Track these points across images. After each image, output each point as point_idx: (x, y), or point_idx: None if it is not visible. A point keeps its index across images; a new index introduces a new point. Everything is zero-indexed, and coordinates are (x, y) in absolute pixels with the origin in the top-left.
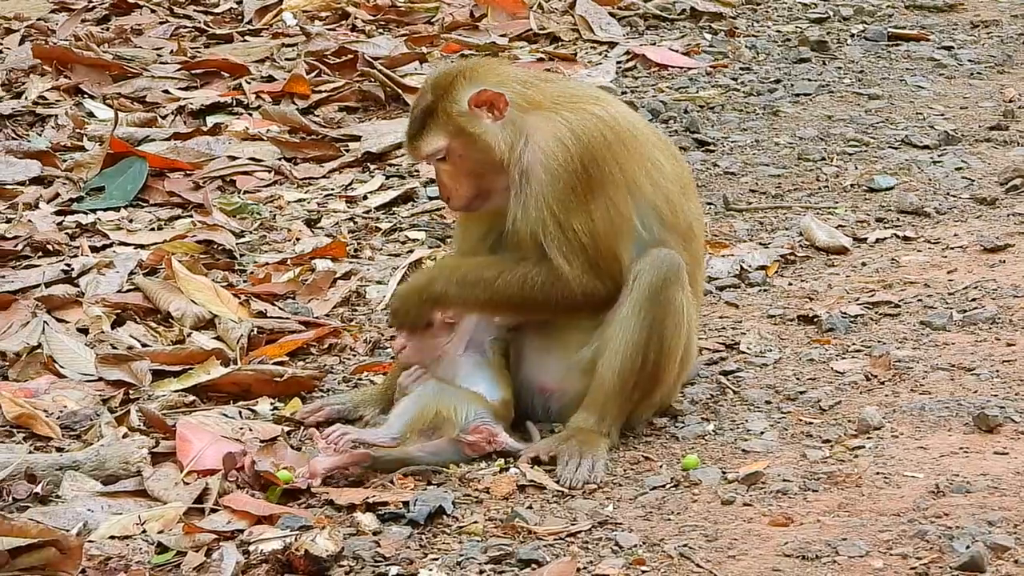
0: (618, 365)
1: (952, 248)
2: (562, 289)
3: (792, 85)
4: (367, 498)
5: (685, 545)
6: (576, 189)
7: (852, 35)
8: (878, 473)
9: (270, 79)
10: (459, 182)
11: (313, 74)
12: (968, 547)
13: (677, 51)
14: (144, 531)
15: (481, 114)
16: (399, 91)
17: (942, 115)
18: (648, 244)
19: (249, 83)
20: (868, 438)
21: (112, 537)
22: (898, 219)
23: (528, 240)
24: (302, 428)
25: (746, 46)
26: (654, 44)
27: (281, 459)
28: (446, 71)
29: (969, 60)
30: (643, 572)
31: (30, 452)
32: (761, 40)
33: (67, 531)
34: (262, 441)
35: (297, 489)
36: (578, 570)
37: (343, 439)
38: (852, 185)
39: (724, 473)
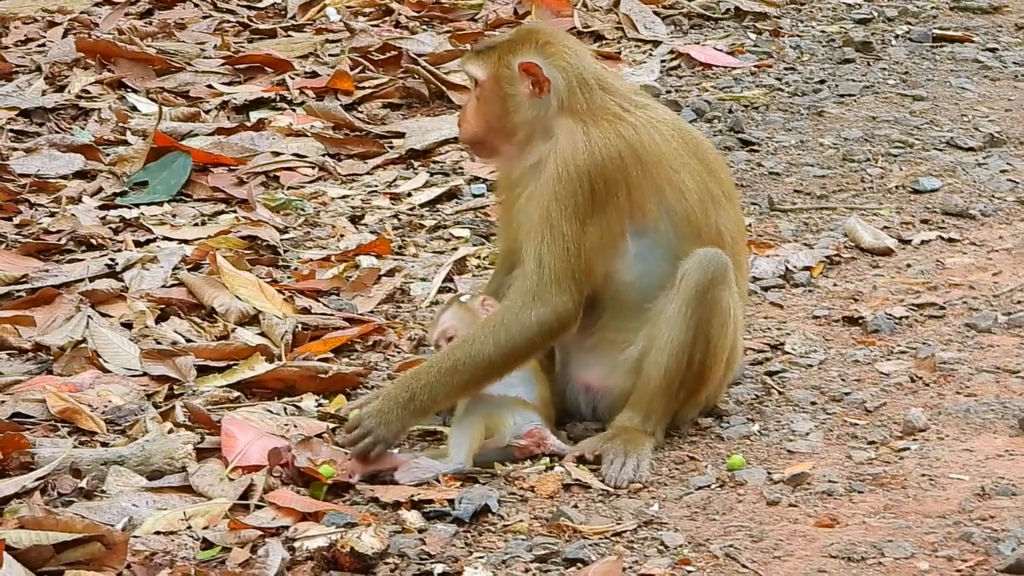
0: (664, 364)
1: (997, 250)
2: (532, 315)
3: (836, 86)
4: (412, 496)
5: (731, 546)
6: (577, 199)
7: (896, 36)
8: (923, 475)
9: (314, 75)
10: (475, 118)
11: (357, 70)
12: (1014, 550)
13: (721, 50)
14: (189, 527)
15: (524, 81)
16: (443, 88)
17: (987, 117)
18: (662, 249)
19: (293, 79)
20: (913, 440)
21: (157, 532)
22: (943, 221)
23: (524, 240)
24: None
25: (790, 46)
26: (698, 43)
27: (318, 454)
28: (536, 28)
29: (1014, 62)
30: (688, 572)
31: (75, 447)
32: (805, 40)
33: (112, 526)
34: (302, 436)
35: (341, 486)
36: (624, 569)
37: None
38: (897, 187)
39: (769, 474)
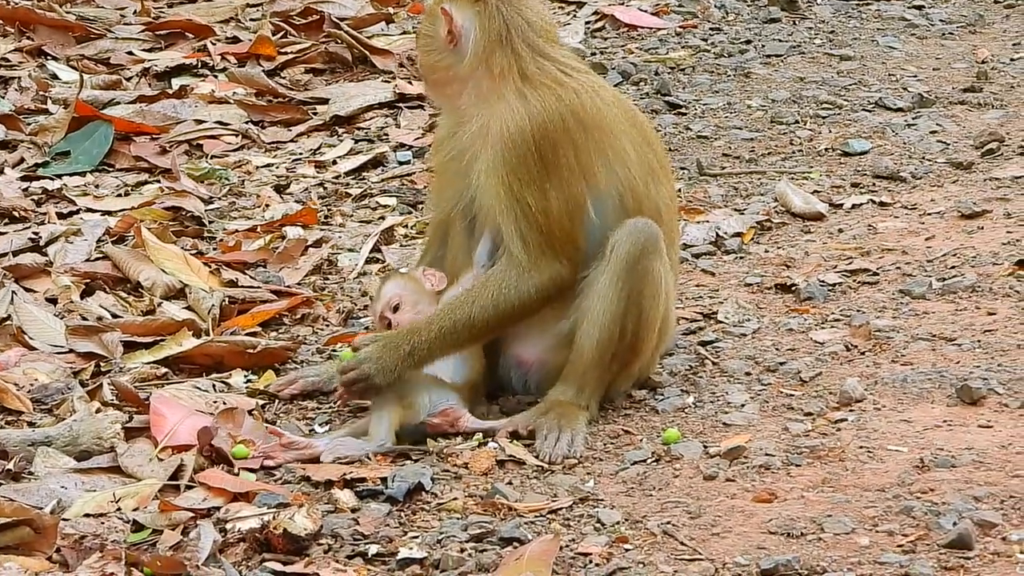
0: (596, 336)
1: (929, 214)
2: (529, 283)
3: (763, 46)
4: (345, 474)
5: (668, 523)
6: (529, 166)
7: None
8: (861, 447)
9: (235, 40)
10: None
11: (279, 35)
12: (955, 524)
13: (646, 11)
14: (119, 509)
15: (443, 26)
16: (366, 52)
17: (915, 76)
18: (604, 224)
19: (214, 44)
20: (850, 411)
21: (86, 515)
22: (874, 184)
23: (489, 213)
24: (276, 401)
25: (715, 5)
26: (623, 4)
27: (239, 428)
28: None
29: (940, 20)
30: (626, 550)
31: (1, 428)
32: (730, 0)
33: (40, 509)
34: (224, 407)
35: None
36: (561, 548)
37: (338, 455)
38: (826, 149)
39: (706, 447)
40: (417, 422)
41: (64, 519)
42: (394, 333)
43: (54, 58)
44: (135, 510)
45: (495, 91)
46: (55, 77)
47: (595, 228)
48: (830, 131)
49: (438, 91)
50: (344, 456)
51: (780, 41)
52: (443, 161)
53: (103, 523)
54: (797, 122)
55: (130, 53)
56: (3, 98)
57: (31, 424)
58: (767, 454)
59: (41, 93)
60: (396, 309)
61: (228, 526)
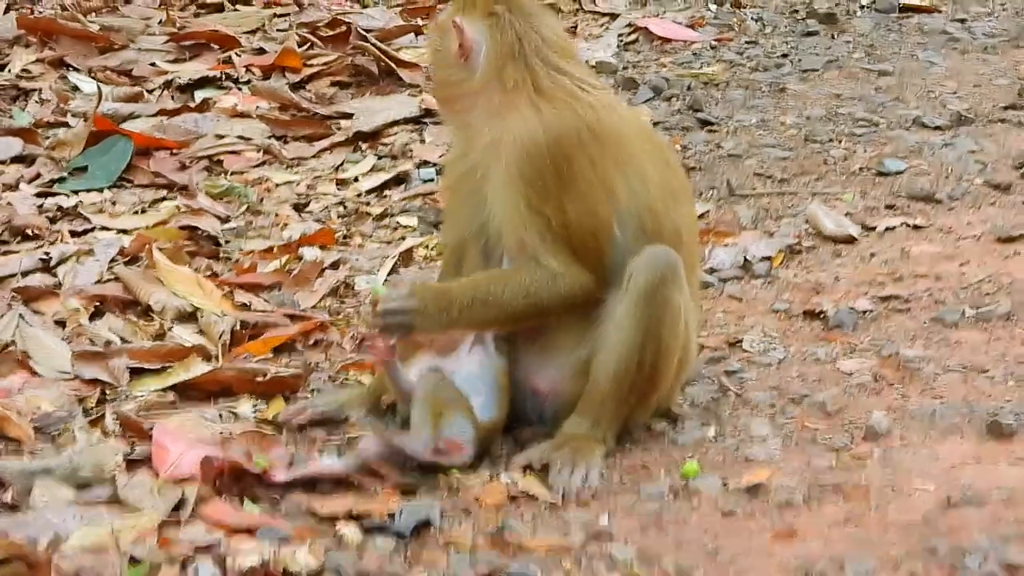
0: (613, 368)
1: (964, 238)
2: (559, 286)
3: (799, 60)
4: (351, 509)
5: (684, 562)
6: (545, 179)
7: (861, 7)
8: (887, 484)
9: (261, 52)
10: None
11: (305, 47)
12: (980, 565)
13: (681, 23)
14: (117, 543)
15: (455, 40)
16: (393, 66)
17: (955, 93)
18: (625, 249)
19: (239, 55)
20: (876, 445)
21: (84, 549)
22: (908, 206)
23: (508, 229)
24: (284, 431)
25: (752, 18)
26: (657, 16)
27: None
28: None
29: (983, 34)
30: None
31: (0, 457)
32: (768, 12)
33: (36, 542)
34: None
35: (275, 493)
36: None
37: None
38: (861, 169)
39: (725, 482)
40: (431, 433)
41: (59, 554)
42: (432, 286)
43: (76, 69)
44: (134, 542)
45: (507, 105)
46: (76, 89)
47: (618, 249)
48: (865, 150)
49: (449, 107)
50: (388, 451)
51: (817, 55)
52: (455, 182)
53: (100, 557)
54: (832, 140)
55: (153, 65)
56: (23, 111)
57: (32, 453)
58: (789, 490)
59: (61, 105)
60: None
61: (228, 562)
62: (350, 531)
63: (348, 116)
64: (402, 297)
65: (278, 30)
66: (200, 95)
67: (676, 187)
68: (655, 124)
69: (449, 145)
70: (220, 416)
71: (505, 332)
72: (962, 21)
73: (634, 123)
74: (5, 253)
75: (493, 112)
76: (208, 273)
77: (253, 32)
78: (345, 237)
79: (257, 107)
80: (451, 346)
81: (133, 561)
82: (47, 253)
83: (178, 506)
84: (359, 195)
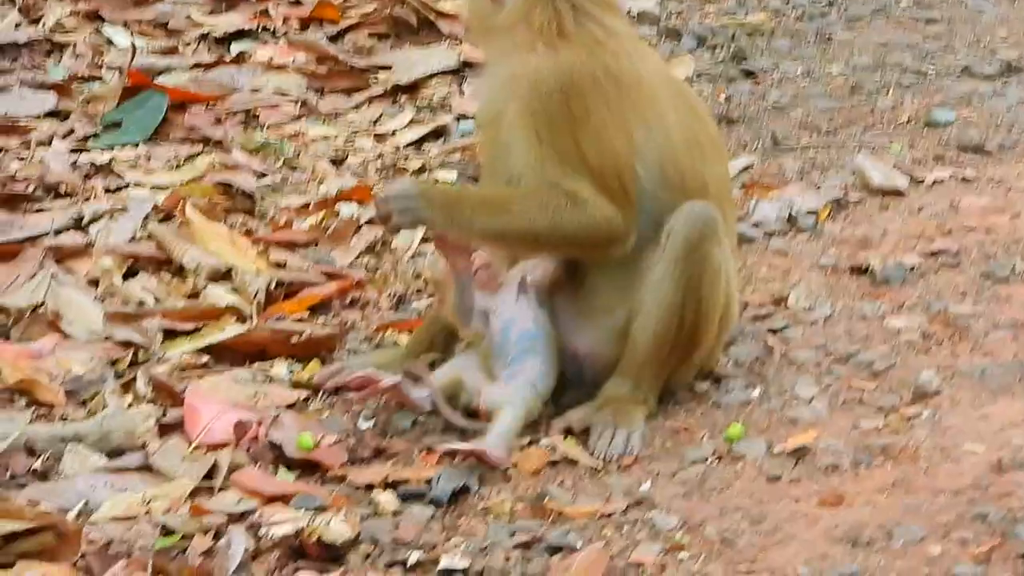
0: (653, 328)
1: (1015, 190)
2: (582, 213)
3: (846, 8)
4: (387, 476)
5: (727, 529)
6: (558, 116)
7: None
8: (936, 446)
9: (297, 3)
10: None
11: None
12: None
13: None
14: (148, 511)
15: None
16: (432, 17)
17: (1005, 41)
18: (648, 197)
19: (276, 7)
20: (925, 406)
21: (114, 518)
22: (957, 157)
23: (524, 163)
24: (320, 394)
25: None
26: None
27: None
28: None
29: None
30: (681, 560)
31: (30, 422)
32: None
33: (66, 511)
34: (277, 408)
35: (315, 463)
36: (611, 558)
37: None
38: (909, 119)
39: (770, 446)
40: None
41: (91, 523)
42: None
43: (110, 23)
44: (166, 512)
45: (529, 44)
46: (110, 43)
47: (641, 197)
48: (913, 100)
49: (480, 43)
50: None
51: (864, 3)
52: (486, 130)
53: (131, 527)
54: (879, 90)
55: (189, 17)
56: (57, 65)
57: (63, 418)
58: (835, 453)
59: (95, 60)
60: None
61: (261, 531)
62: (386, 499)
63: (386, 68)
64: (404, 184)
65: None
66: (236, 48)
67: (704, 141)
68: (698, 75)
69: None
70: (254, 378)
71: (518, 252)
72: None
73: (662, 74)
74: (38, 211)
75: (515, 50)
76: (243, 230)
77: None
78: None
79: (294, 60)
80: (493, 283)
81: (165, 531)
82: (80, 211)
83: (211, 473)
84: (397, 149)
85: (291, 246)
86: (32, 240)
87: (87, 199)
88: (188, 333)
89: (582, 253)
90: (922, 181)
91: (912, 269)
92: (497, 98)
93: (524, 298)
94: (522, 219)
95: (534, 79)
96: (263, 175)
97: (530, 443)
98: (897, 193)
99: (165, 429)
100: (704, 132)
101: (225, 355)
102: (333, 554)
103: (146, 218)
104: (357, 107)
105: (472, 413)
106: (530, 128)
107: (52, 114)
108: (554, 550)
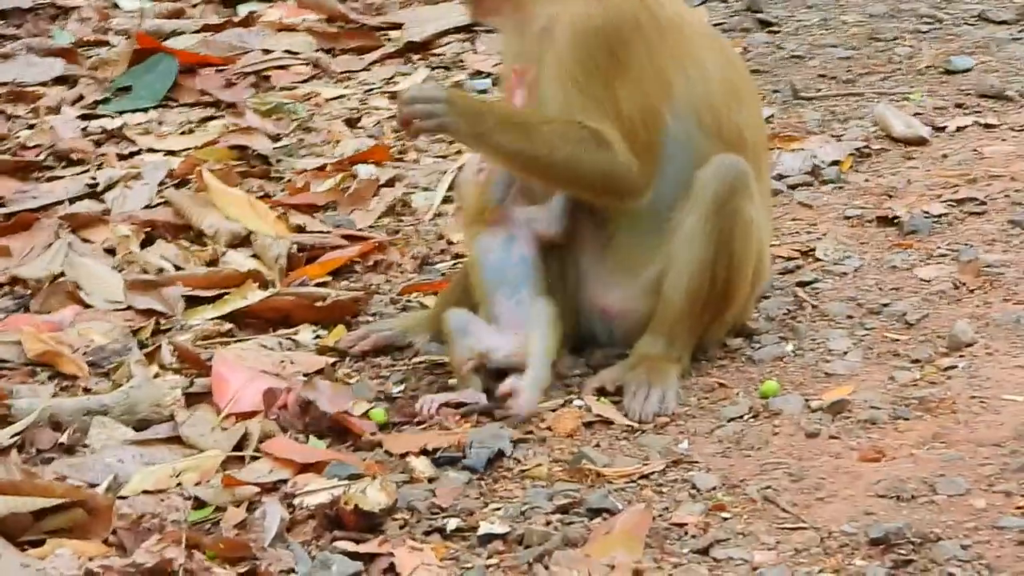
0: (685, 284)
1: None
2: (603, 156)
3: None
4: (424, 444)
5: (768, 487)
6: (598, 60)
7: None
8: (973, 397)
9: None
10: None
11: None
12: None
13: None
14: (180, 484)
15: None
16: None
17: None
18: (682, 147)
19: None
20: (961, 356)
21: (145, 492)
22: (978, 104)
23: (558, 111)
24: (348, 359)
25: None
26: None
27: (321, 395)
28: None
29: None
30: (724, 519)
31: (54, 395)
32: None
33: (95, 486)
34: (305, 375)
35: (347, 429)
36: (653, 519)
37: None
38: (928, 67)
39: (807, 401)
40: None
41: (121, 497)
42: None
43: None
44: (197, 484)
45: None
46: (116, 6)
47: (675, 147)
48: (931, 47)
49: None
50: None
51: None
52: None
53: (162, 500)
54: (896, 39)
55: None
56: (63, 30)
57: (87, 390)
58: (873, 407)
59: (102, 24)
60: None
61: (296, 501)
62: (421, 465)
63: (398, 27)
64: (430, 87)
65: None
66: (244, 9)
67: (741, 88)
68: (713, 25)
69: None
70: (280, 345)
71: (530, 179)
72: None
73: (698, 21)
74: (50, 179)
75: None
76: (260, 194)
77: None
78: (400, 153)
79: (303, 19)
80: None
81: (198, 503)
82: (94, 178)
83: (241, 443)
84: None
85: (310, 209)
86: (46, 209)
87: (100, 166)
88: (210, 300)
89: (594, 197)
90: (944, 129)
91: (939, 218)
92: (531, 47)
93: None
94: (542, 145)
95: (577, 22)
96: (278, 138)
97: (564, 404)
98: (920, 142)
99: (192, 399)
100: (741, 79)
101: (249, 322)
102: (370, 522)
103: (161, 184)
104: (370, 67)
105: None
106: (566, 72)
107: (60, 80)
108: (595, 513)
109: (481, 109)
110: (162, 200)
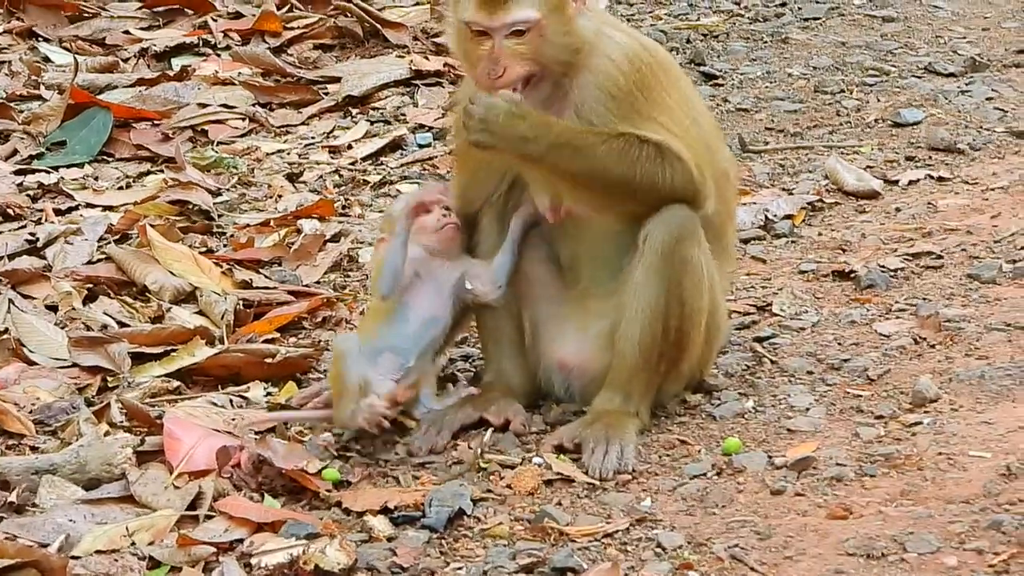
0: (638, 336)
1: (992, 189)
2: (680, 166)
3: (800, 8)
4: (383, 501)
5: (736, 545)
6: (635, 106)
7: None
8: (940, 453)
9: (237, 16)
10: (519, 62)
11: (284, 9)
12: None
13: None
14: (133, 543)
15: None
16: (378, 26)
17: (964, 38)
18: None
19: (215, 21)
20: (925, 412)
21: (98, 552)
22: (930, 157)
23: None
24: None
25: None
26: None
27: (275, 453)
28: None
29: None
30: None
31: (2, 454)
32: None
33: (47, 546)
34: (257, 433)
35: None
36: None
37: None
38: (876, 120)
39: (770, 457)
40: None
41: (73, 557)
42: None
43: (46, 39)
44: (150, 544)
45: (592, 35)
46: (47, 60)
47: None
48: (879, 100)
49: (544, 71)
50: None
51: (818, 3)
52: (464, 143)
53: (116, 560)
54: (843, 91)
55: (127, 32)
56: None
57: (34, 449)
58: (838, 464)
59: (33, 78)
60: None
61: (254, 561)
62: (379, 524)
63: (335, 80)
64: (493, 101)
65: None
66: (178, 63)
67: (716, 127)
68: None
69: (450, 106)
70: (231, 402)
71: (589, 197)
72: None
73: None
74: None
75: (582, 41)
76: (203, 250)
77: None
78: (344, 207)
79: (239, 73)
80: (451, 247)
81: (152, 563)
82: (32, 233)
83: (195, 502)
84: (354, 163)
85: (255, 265)
86: None
87: (38, 222)
88: (157, 357)
89: (648, 203)
90: (896, 182)
91: (896, 272)
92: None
93: (452, 295)
94: (607, 159)
95: (604, 80)
96: (218, 192)
97: (523, 462)
98: (872, 195)
99: (144, 457)
100: (712, 123)
101: (197, 379)
102: None
103: (101, 239)
104: (308, 120)
105: None
106: (611, 119)
107: None
108: (559, 572)
109: (548, 120)
110: (103, 256)
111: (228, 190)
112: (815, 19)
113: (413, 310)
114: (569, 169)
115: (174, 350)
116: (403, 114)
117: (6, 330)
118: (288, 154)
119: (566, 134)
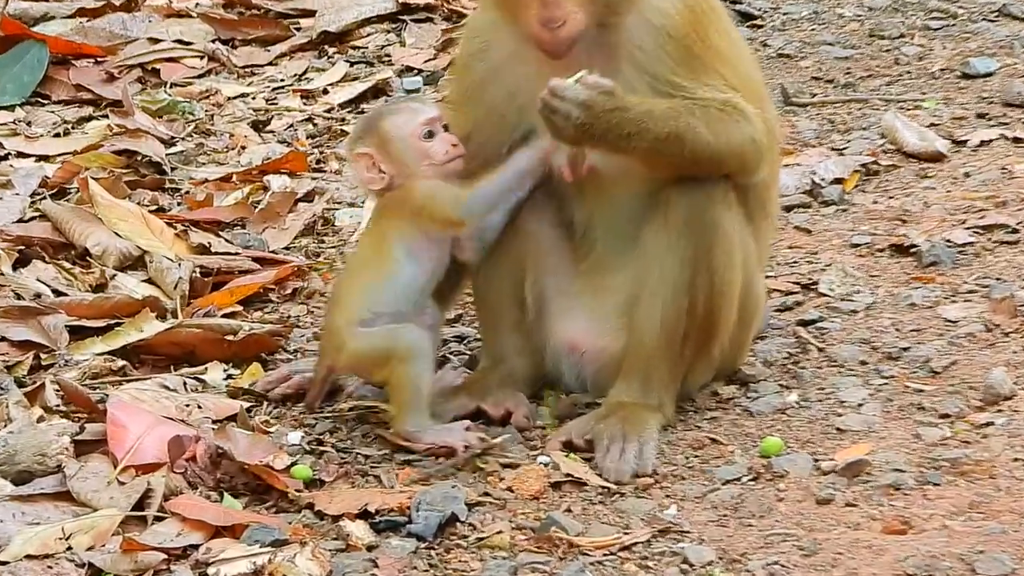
0: (659, 314)
1: None
2: (748, 128)
3: None
4: (362, 503)
5: (775, 563)
6: (696, 53)
7: None
8: (1016, 459)
9: None
10: (577, 3)
11: None
12: None
13: None
14: (70, 547)
15: None
16: None
17: None
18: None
19: None
20: (998, 411)
21: (29, 557)
22: (1004, 114)
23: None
24: (266, 404)
25: None
26: None
27: (237, 445)
28: None
29: None
30: None
31: None
32: None
33: None
34: (215, 422)
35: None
36: None
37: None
38: (942, 70)
39: (816, 461)
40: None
41: (1, 563)
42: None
43: None
44: (90, 549)
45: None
46: None
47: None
48: (944, 47)
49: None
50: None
51: None
52: (474, 88)
53: (50, 567)
54: (902, 36)
55: None
56: None
57: None
58: (896, 470)
59: None
60: (431, 135)
61: (211, 571)
62: (358, 530)
63: (310, 14)
64: (574, 88)
65: None
66: None
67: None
68: None
69: (443, 46)
70: (184, 385)
71: (667, 167)
72: None
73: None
74: None
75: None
76: (154, 208)
77: None
78: (318, 162)
79: (197, 3)
80: None
81: (92, 571)
82: None
83: (142, 501)
84: (330, 110)
85: (214, 226)
86: None
87: None
88: (99, 331)
89: (730, 169)
90: (964, 143)
91: (964, 247)
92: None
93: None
94: (688, 130)
95: (659, 23)
96: (172, 142)
97: (527, 461)
98: (936, 157)
99: (83, 447)
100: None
101: (145, 358)
102: None
103: (35, 194)
104: (277, 60)
105: None
106: (668, 69)
107: None
108: None
109: (623, 104)
110: (37, 213)
111: (183, 139)
112: None
113: (418, 262)
114: (663, 153)
115: (119, 324)
116: (388, 54)
117: None
118: (253, 99)
119: (667, 120)
